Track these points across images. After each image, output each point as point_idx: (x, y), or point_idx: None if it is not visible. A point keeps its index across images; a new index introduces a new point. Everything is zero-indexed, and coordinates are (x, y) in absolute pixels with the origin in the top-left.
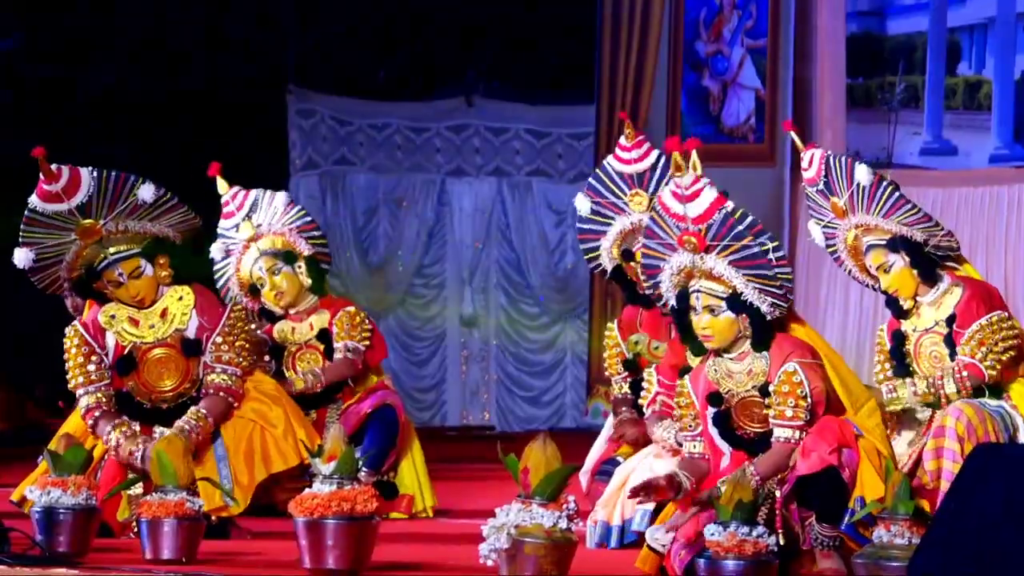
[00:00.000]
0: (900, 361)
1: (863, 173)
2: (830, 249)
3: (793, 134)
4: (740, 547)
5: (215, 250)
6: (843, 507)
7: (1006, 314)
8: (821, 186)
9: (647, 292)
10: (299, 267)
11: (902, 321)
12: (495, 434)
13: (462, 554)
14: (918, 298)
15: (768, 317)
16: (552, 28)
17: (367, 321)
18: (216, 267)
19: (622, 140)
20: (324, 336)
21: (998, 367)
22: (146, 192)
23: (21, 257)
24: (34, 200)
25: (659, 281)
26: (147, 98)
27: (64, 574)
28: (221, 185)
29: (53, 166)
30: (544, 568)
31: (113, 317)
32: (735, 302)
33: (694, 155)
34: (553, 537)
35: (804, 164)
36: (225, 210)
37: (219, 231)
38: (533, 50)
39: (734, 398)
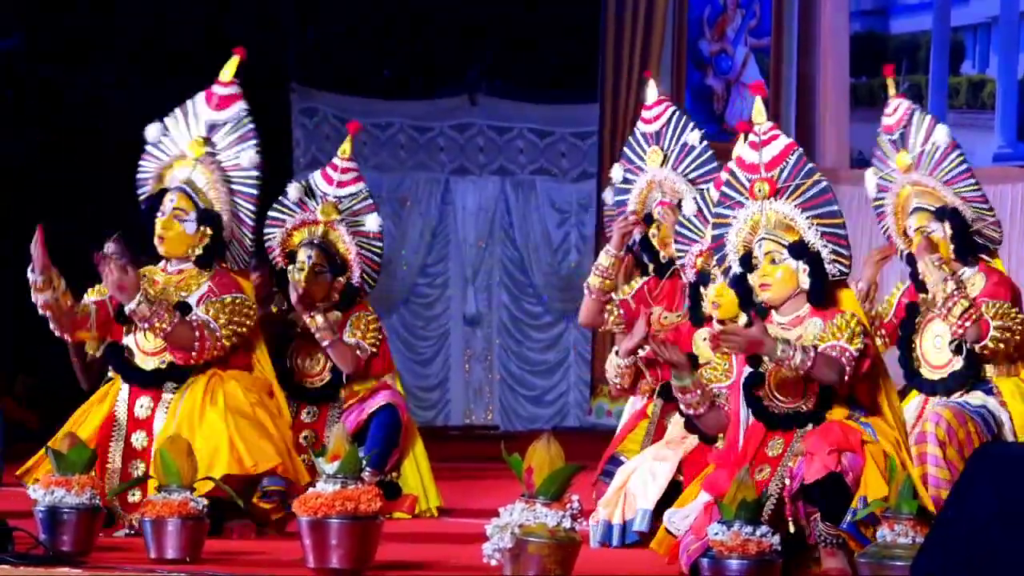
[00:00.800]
0: (906, 334)
1: (942, 134)
2: (876, 203)
3: (889, 80)
4: (744, 546)
5: (293, 191)
6: (846, 510)
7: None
8: (896, 136)
9: (673, 259)
10: (339, 281)
11: (920, 296)
12: (499, 433)
13: (466, 554)
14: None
15: (827, 268)
16: (556, 27)
17: (381, 330)
18: (283, 207)
19: (646, 100)
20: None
21: (1000, 345)
22: (249, 157)
23: (152, 131)
24: (199, 95)
25: (725, 251)
26: (148, 98)
27: (68, 573)
28: (344, 149)
29: (230, 77)
30: (548, 568)
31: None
32: (798, 249)
33: (759, 102)
34: (557, 536)
35: (888, 111)
36: (334, 173)
37: (315, 182)
38: (537, 49)
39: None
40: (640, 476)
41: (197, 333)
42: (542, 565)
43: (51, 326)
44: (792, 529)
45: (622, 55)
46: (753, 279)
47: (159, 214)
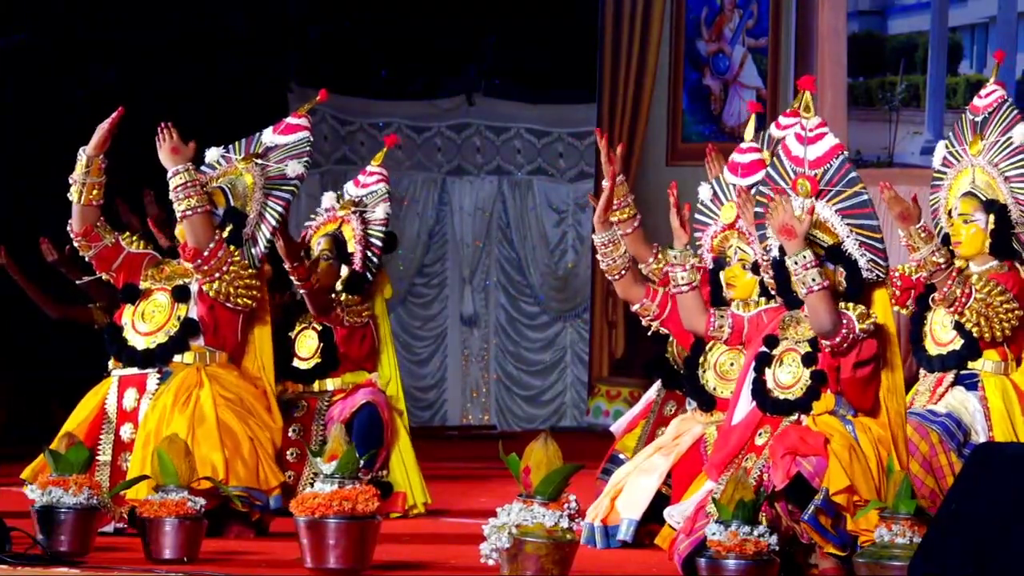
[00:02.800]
0: (920, 309)
1: (1020, 132)
2: (936, 176)
3: (995, 64)
4: (741, 546)
5: (327, 199)
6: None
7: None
8: (979, 119)
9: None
10: (343, 270)
11: None
12: (496, 433)
13: (463, 553)
14: (972, 264)
15: (864, 274)
16: (553, 27)
17: (371, 322)
18: (315, 213)
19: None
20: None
21: (974, 319)
22: (294, 167)
23: (213, 154)
24: (268, 128)
25: (767, 232)
26: (148, 97)
27: (65, 574)
28: (377, 158)
29: (305, 111)
30: (545, 567)
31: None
32: (835, 253)
33: (807, 96)
34: (554, 536)
35: (982, 93)
36: (363, 177)
37: (347, 190)
38: (534, 49)
39: (784, 344)
40: (628, 486)
41: (216, 239)
42: (540, 565)
43: (71, 225)
44: (766, 526)
45: (620, 55)
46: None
47: None
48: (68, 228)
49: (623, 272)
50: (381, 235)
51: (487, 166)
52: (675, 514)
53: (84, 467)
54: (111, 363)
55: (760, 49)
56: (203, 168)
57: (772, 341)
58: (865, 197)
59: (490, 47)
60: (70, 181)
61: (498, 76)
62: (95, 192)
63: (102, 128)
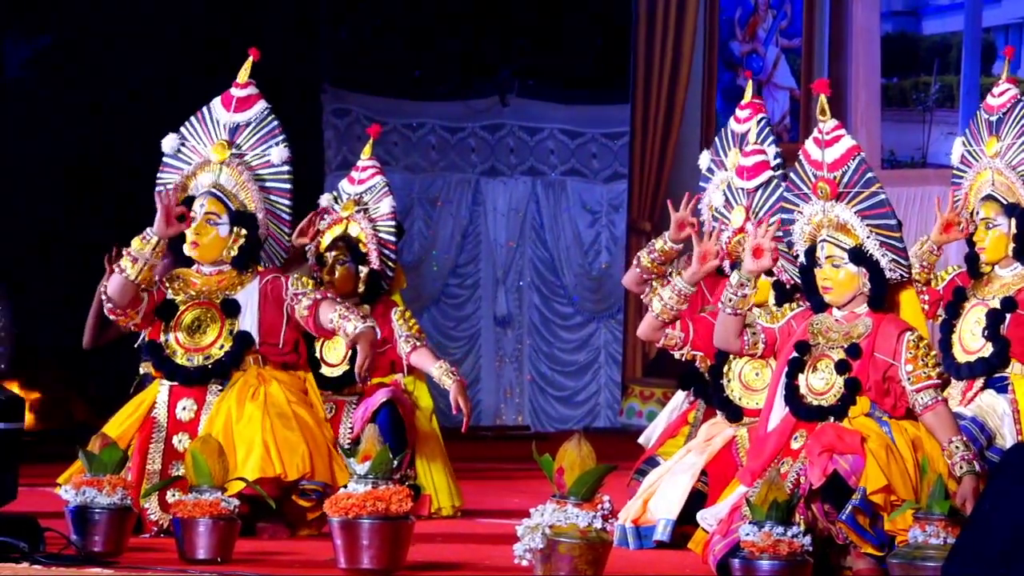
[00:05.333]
0: (949, 317)
1: None
2: (956, 173)
3: (1006, 60)
4: (775, 547)
5: (324, 200)
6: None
7: None
8: (994, 118)
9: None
10: (362, 271)
11: (971, 281)
12: (529, 434)
13: (496, 554)
14: (996, 268)
15: (887, 275)
16: (587, 27)
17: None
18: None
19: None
20: None
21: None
22: (279, 153)
23: (169, 142)
24: (215, 101)
25: (792, 238)
26: (178, 97)
27: (99, 574)
28: (366, 150)
29: (245, 78)
30: (579, 568)
31: (177, 278)
32: (857, 255)
33: (823, 100)
34: (588, 537)
35: (995, 92)
36: (355, 173)
37: (342, 188)
38: (568, 49)
39: (816, 351)
40: (663, 486)
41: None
42: (573, 565)
43: (110, 296)
44: (802, 528)
45: (653, 55)
46: (818, 276)
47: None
48: (103, 296)
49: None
50: (391, 229)
51: (521, 167)
52: (708, 517)
53: (118, 467)
54: (143, 367)
55: (794, 50)
56: (166, 161)
57: (804, 347)
58: (883, 197)
59: (523, 48)
60: (128, 254)
61: (531, 76)
62: (150, 272)
63: (170, 211)
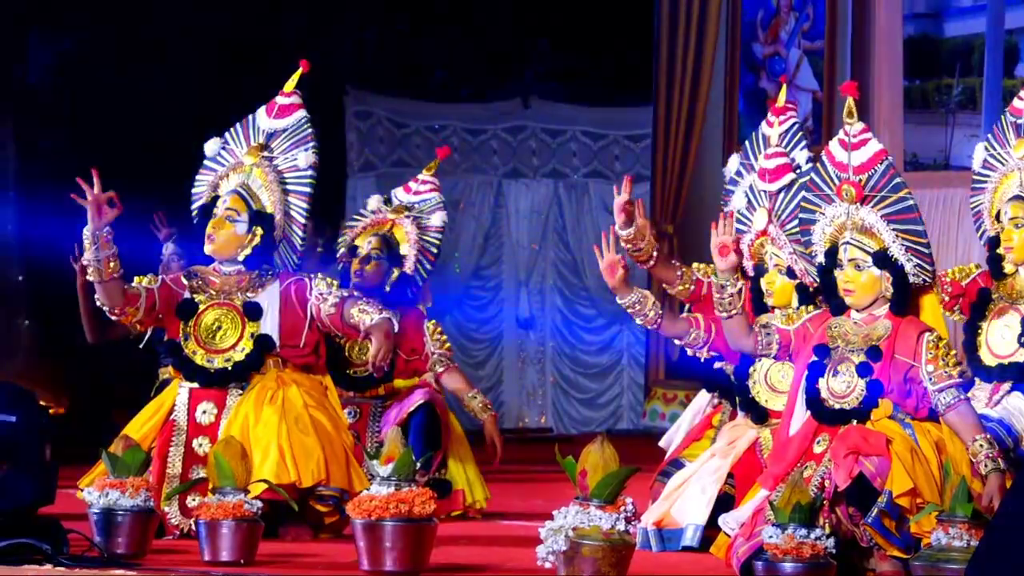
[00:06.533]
0: (974, 318)
1: None
2: (977, 179)
3: None
4: (798, 549)
5: (373, 201)
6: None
7: None
8: (1021, 121)
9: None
10: (394, 271)
11: (994, 283)
12: (552, 436)
13: (520, 556)
14: (1021, 270)
15: (911, 279)
16: (609, 29)
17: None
18: (359, 214)
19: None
20: None
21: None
22: (306, 158)
23: (211, 146)
24: (261, 108)
25: (811, 239)
26: (202, 100)
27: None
28: (430, 167)
29: (292, 87)
30: (602, 570)
31: (195, 276)
32: (881, 259)
33: (850, 102)
34: (611, 539)
35: (1022, 95)
36: (414, 184)
37: (395, 195)
38: (590, 51)
39: (835, 354)
40: (689, 491)
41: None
42: (596, 568)
43: (102, 302)
44: (827, 530)
45: (675, 57)
46: (839, 279)
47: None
48: (100, 304)
49: (659, 320)
50: (436, 241)
51: (543, 169)
52: (730, 520)
53: (141, 469)
54: (162, 372)
55: (816, 52)
56: (205, 163)
57: (823, 350)
58: (912, 203)
59: (545, 49)
60: (85, 262)
61: (553, 79)
62: (112, 264)
63: (90, 204)
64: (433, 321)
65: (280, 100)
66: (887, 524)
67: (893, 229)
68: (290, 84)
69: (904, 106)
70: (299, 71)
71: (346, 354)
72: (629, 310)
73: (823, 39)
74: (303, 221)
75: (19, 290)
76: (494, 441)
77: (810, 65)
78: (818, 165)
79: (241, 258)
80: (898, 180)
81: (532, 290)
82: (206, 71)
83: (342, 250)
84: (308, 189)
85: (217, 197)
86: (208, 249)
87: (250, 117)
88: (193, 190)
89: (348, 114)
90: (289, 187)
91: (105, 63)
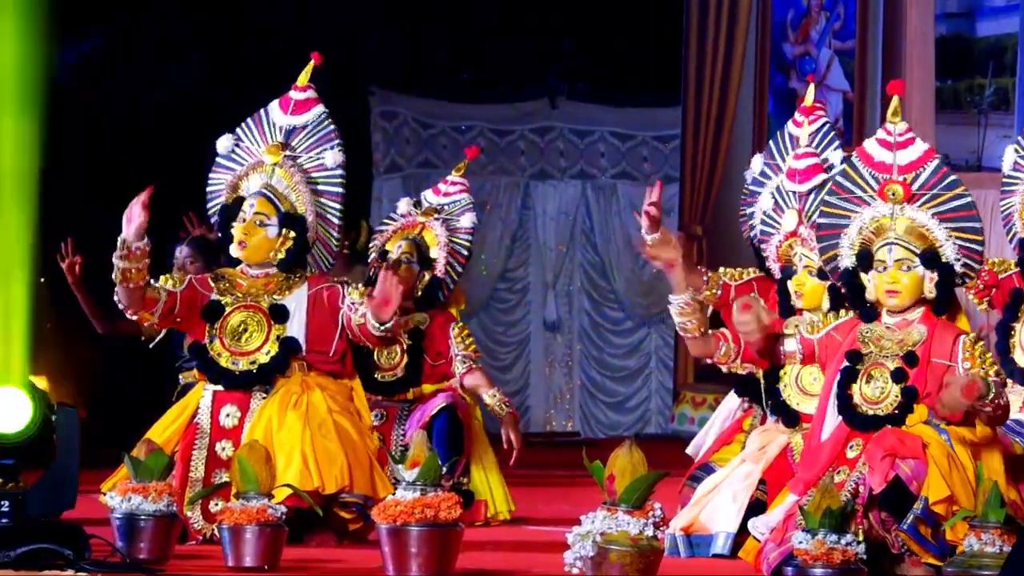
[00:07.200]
0: (1006, 320)
1: None
2: (1007, 181)
3: None
4: (828, 555)
5: (403, 204)
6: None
7: None
8: None
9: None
10: (423, 275)
11: None
12: (579, 440)
13: (547, 561)
14: None
15: (958, 279)
16: (637, 29)
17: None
18: (389, 217)
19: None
20: (415, 334)
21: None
22: (333, 157)
23: (224, 143)
24: (273, 103)
25: (834, 242)
26: (225, 98)
27: None
28: (459, 168)
29: (305, 81)
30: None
31: (222, 278)
32: (929, 258)
33: (896, 101)
34: (639, 545)
35: None
36: (443, 186)
37: (425, 197)
38: (618, 51)
39: (868, 359)
40: (720, 497)
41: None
42: (624, 573)
43: (118, 298)
44: (860, 538)
45: (705, 58)
46: (876, 281)
47: (238, 220)
48: (118, 303)
49: (703, 329)
50: (466, 243)
51: (570, 170)
52: (759, 525)
53: (164, 474)
54: (183, 376)
55: (847, 52)
56: (219, 161)
57: (855, 356)
58: (969, 200)
59: (573, 50)
60: (114, 262)
61: (581, 79)
62: (140, 273)
63: (139, 216)
64: (460, 324)
65: (295, 95)
66: (923, 531)
67: (945, 227)
68: (303, 78)
69: (936, 106)
70: (311, 63)
71: (374, 359)
72: (683, 311)
73: (854, 39)
74: (337, 222)
75: (41, 292)
76: (510, 438)
77: (841, 65)
78: (846, 168)
79: (276, 261)
80: (952, 178)
81: (559, 293)
82: (229, 71)
83: (373, 255)
84: (339, 189)
85: (239, 199)
86: (240, 254)
87: (262, 112)
88: (208, 189)
89: (373, 114)
90: (319, 187)
91: (128, 63)
